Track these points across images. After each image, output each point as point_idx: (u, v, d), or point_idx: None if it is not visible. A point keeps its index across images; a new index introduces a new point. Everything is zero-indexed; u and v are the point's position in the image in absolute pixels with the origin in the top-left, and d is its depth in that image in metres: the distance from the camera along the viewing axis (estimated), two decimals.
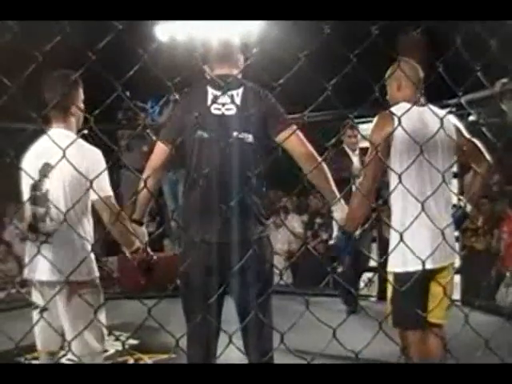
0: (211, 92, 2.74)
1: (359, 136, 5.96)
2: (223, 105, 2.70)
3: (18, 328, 1.57)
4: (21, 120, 2.78)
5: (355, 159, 6.02)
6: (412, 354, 2.91)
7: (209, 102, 2.70)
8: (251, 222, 2.67)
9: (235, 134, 2.66)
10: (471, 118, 6.79)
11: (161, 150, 2.79)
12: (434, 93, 3.23)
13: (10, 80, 1.35)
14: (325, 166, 2.72)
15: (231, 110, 2.70)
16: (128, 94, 6.13)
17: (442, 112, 2.82)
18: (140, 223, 2.93)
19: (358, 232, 3.01)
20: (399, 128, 2.45)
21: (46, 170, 2.72)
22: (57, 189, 2.71)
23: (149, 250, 2.92)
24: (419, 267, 2.40)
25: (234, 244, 2.59)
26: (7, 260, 7.88)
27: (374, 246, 7.08)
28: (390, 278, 2.91)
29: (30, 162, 2.77)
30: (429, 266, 2.55)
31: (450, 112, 6.58)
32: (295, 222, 8.33)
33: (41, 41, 1.43)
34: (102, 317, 2.81)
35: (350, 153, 6.04)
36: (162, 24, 8.79)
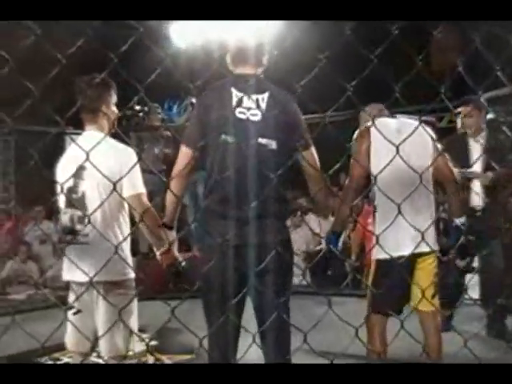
0: (236, 94, 2.67)
1: (482, 114, 4.61)
2: (248, 109, 2.65)
3: (39, 329, 1.59)
4: (49, 124, 2.80)
5: (476, 148, 4.51)
6: (378, 343, 3.07)
7: (233, 104, 2.64)
8: (273, 225, 2.65)
9: (259, 140, 2.62)
10: (490, 115, 6.72)
11: (186, 155, 2.70)
12: (452, 91, 3.25)
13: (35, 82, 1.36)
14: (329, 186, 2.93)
15: (256, 116, 2.64)
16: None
17: (413, 122, 3.17)
18: (170, 227, 2.86)
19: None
20: (377, 138, 2.98)
21: (80, 173, 2.73)
22: (92, 190, 2.73)
23: (177, 254, 2.90)
24: (399, 253, 2.80)
25: (256, 246, 2.58)
26: (26, 261, 7.98)
27: None
28: (373, 265, 3.17)
29: (65, 165, 2.80)
30: (408, 251, 2.82)
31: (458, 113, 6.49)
32: (313, 223, 8.32)
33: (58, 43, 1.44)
34: (134, 319, 2.82)
35: (472, 141, 4.55)
36: (177, 26, 8.85)
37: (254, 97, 2.67)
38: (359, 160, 3.11)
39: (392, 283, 2.89)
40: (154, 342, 4.63)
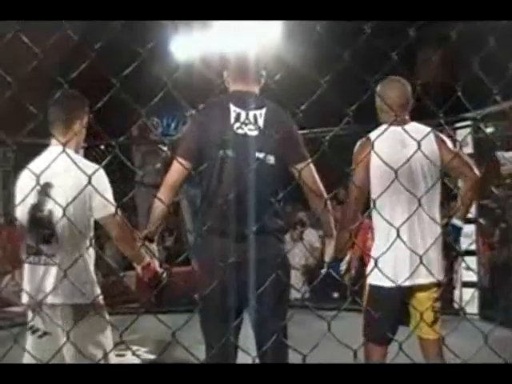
0: (234, 110, 2.70)
1: None
2: (246, 124, 2.67)
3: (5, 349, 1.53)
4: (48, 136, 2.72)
5: None
6: None
7: (232, 119, 2.67)
8: (270, 241, 2.67)
9: (257, 154, 2.64)
10: (489, 129, 6.77)
11: (179, 168, 2.70)
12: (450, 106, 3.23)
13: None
14: (329, 202, 2.86)
15: (254, 131, 2.68)
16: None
17: (425, 129, 2.85)
18: (150, 240, 2.82)
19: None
20: (378, 149, 2.54)
21: (46, 190, 2.56)
22: (60, 209, 2.50)
23: (157, 265, 2.85)
24: (393, 284, 2.56)
25: (253, 263, 2.58)
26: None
27: None
28: (366, 289, 2.95)
29: (27, 181, 2.61)
30: (405, 283, 2.60)
31: (468, 126, 6.44)
32: (312, 237, 8.30)
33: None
34: (109, 339, 2.71)
35: None
36: (177, 41, 8.91)
37: (252, 112, 2.70)
38: (358, 177, 2.90)
39: (384, 312, 2.77)
40: (151, 357, 4.62)
